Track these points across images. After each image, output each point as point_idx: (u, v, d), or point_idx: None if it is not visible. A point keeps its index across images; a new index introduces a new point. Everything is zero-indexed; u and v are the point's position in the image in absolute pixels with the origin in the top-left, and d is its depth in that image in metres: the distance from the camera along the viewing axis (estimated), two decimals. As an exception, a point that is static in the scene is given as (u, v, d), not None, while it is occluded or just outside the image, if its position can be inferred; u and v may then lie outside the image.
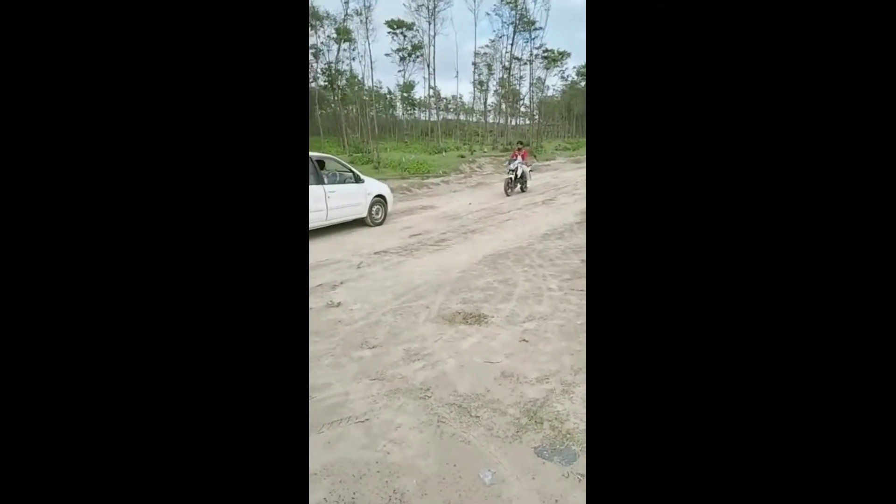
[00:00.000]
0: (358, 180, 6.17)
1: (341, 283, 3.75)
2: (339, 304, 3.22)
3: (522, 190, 9.57)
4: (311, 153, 5.87)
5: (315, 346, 2.55)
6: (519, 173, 9.34)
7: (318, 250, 4.95)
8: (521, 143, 10.57)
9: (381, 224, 6.50)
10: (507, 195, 8.87)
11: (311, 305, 3.22)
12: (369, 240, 5.50)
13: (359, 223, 6.34)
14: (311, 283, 3.75)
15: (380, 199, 6.49)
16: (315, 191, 5.48)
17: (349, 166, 6.45)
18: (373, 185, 6.39)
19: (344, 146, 21.44)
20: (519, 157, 9.40)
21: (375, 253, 4.77)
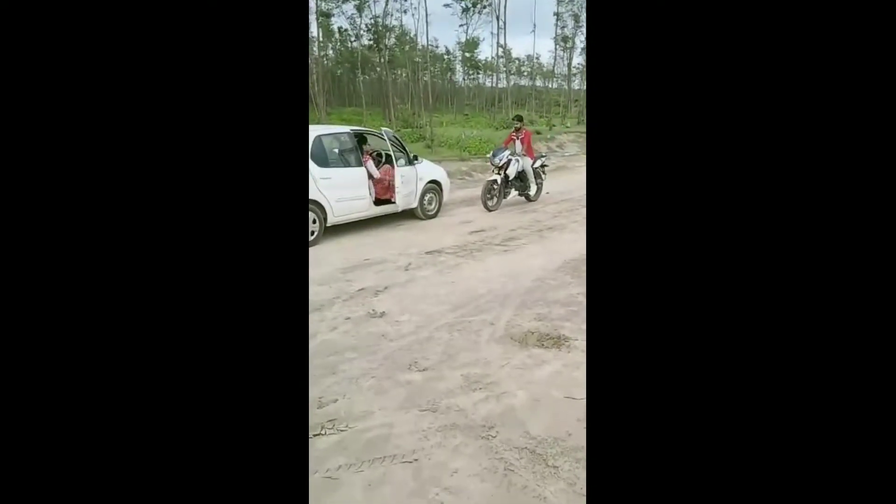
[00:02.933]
0: (409, 162, 6.29)
1: (385, 288, 3.84)
2: (382, 315, 3.31)
3: (528, 199, 7.40)
4: (351, 128, 6.08)
5: (353, 365, 2.63)
6: (512, 172, 6.93)
7: (358, 247, 5.10)
8: (519, 118, 7.67)
9: (434, 216, 6.59)
10: (488, 209, 6.75)
11: (351, 315, 3.34)
12: (420, 236, 5.59)
13: (408, 215, 6.47)
14: (352, 288, 3.89)
15: (433, 186, 6.58)
16: (355, 174, 5.65)
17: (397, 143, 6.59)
18: (425, 169, 6.49)
19: (390, 119, 21.86)
20: (517, 144, 7.14)
21: (427, 253, 4.85)
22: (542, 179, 7.68)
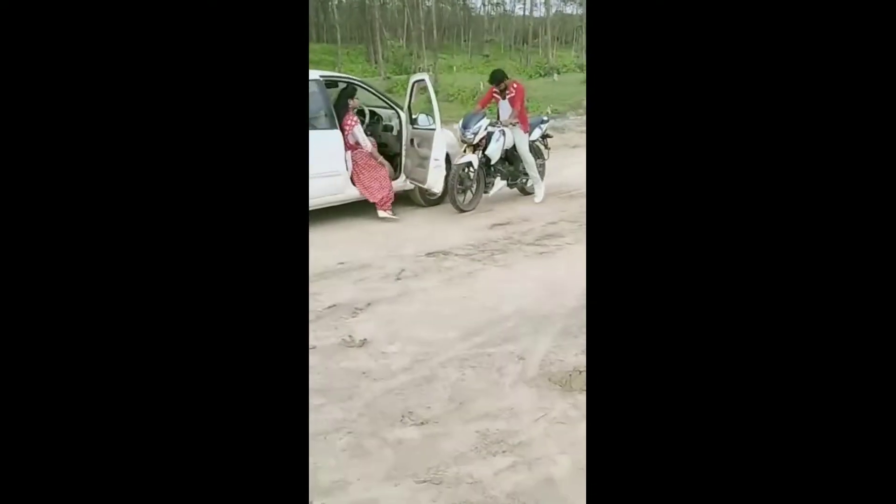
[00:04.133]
0: (409, 122, 6.30)
1: (368, 305, 3.86)
2: (363, 343, 3.32)
3: (522, 191, 7.10)
4: (321, 73, 6.11)
5: (321, 415, 2.64)
6: (495, 152, 6.49)
7: (330, 245, 5.11)
8: (498, 78, 6.74)
9: (438, 202, 6.62)
10: (459, 209, 6.34)
11: (318, 343, 3.35)
12: (418, 230, 5.61)
13: (402, 198, 6.49)
14: (319, 304, 3.91)
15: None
16: (325, 141, 5.68)
17: (387, 97, 6.60)
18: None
19: (375, 61, 21.94)
20: (502, 106, 6.65)
21: (429, 254, 4.86)
22: (543, 160, 7.07)
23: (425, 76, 6.50)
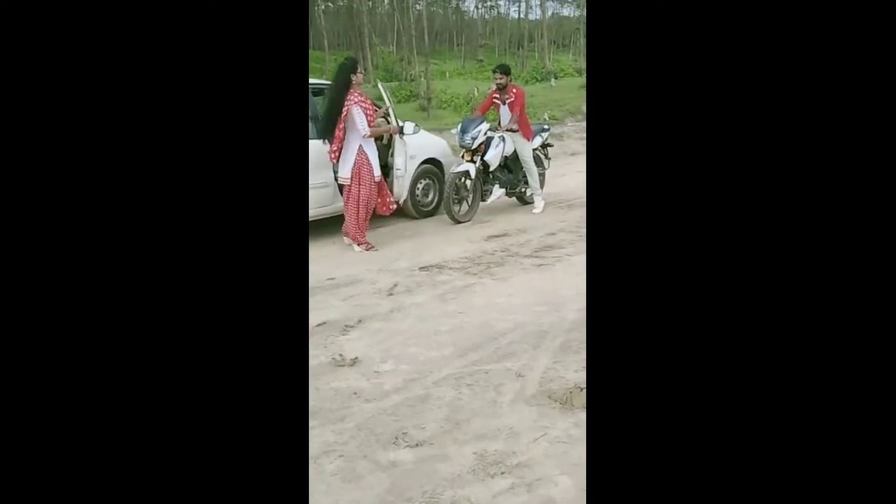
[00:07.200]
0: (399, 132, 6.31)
1: (359, 322, 3.87)
2: (354, 362, 3.33)
3: (521, 200, 7.22)
4: (309, 80, 6.11)
5: (311, 438, 2.62)
6: (494, 158, 6.55)
7: (319, 260, 5.11)
8: (505, 69, 6.88)
9: (432, 213, 6.64)
10: (455, 220, 6.39)
11: (309, 361, 3.32)
12: (411, 243, 5.61)
13: (395, 211, 6.46)
14: (310, 319, 3.87)
15: (431, 168, 6.65)
16: (314, 150, 5.65)
17: (377, 104, 6.62)
18: (419, 142, 6.52)
19: (364, 68, 21.90)
20: (502, 111, 6.70)
21: (422, 269, 4.87)
22: (544, 168, 7.20)
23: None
